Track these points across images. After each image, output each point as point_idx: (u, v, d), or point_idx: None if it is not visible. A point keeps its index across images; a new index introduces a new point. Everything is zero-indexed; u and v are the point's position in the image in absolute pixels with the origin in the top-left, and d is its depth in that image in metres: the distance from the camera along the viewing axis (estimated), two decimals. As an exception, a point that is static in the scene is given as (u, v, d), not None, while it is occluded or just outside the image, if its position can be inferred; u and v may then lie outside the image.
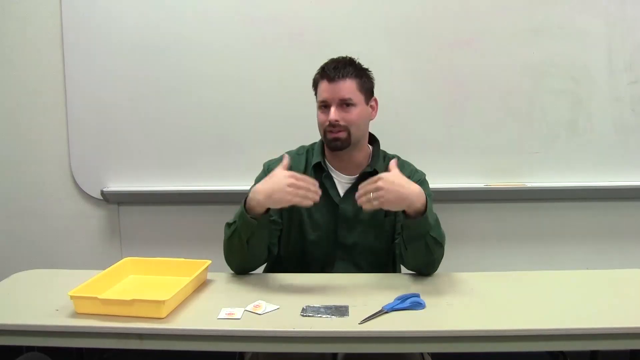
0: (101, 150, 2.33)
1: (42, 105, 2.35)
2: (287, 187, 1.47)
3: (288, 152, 1.79)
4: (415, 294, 1.41)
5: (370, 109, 1.72)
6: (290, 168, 1.69)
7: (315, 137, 1.76)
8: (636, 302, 1.42)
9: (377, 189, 1.46)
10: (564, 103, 2.24)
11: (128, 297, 1.34)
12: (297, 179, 1.48)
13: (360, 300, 1.42)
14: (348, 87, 1.64)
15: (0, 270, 1.79)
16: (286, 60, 2.16)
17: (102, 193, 2.35)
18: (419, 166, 1.82)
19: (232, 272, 1.64)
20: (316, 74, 1.70)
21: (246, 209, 1.53)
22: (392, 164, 1.53)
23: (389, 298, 1.41)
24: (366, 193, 1.47)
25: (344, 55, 1.72)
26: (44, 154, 2.38)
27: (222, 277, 1.63)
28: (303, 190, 1.47)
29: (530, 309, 1.39)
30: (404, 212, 1.51)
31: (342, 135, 1.65)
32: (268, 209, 1.55)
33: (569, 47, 2.20)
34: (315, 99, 1.72)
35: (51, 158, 2.37)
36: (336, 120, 1.63)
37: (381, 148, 1.80)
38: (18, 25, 2.30)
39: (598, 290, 1.52)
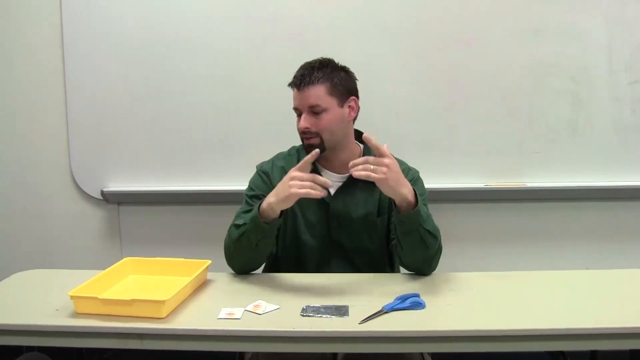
0: (101, 150, 2.33)
1: (42, 105, 2.35)
2: (290, 181, 1.48)
3: (279, 153, 1.81)
4: (415, 294, 1.41)
5: (347, 110, 1.67)
6: (281, 168, 1.73)
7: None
8: (636, 302, 1.42)
9: (382, 164, 1.45)
10: (564, 103, 2.24)
11: (128, 297, 1.34)
12: (299, 172, 1.50)
13: (360, 300, 1.42)
14: (316, 94, 1.61)
15: (0, 270, 1.79)
16: (286, 60, 2.14)
17: (102, 193, 2.35)
18: (419, 166, 1.82)
19: (232, 272, 1.64)
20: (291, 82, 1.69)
21: (259, 213, 1.53)
22: (386, 148, 1.51)
23: (389, 298, 1.41)
24: (366, 163, 1.46)
25: (323, 57, 1.69)
26: (44, 154, 2.38)
27: (222, 277, 1.63)
28: (308, 181, 1.47)
29: (530, 309, 1.39)
30: (395, 206, 1.52)
31: (315, 141, 1.63)
32: (281, 214, 1.55)
33: (569, 47, 2.20)
34: None
35: (51, 158, 2.37)
36: (306, 128, 1.62)
37: None
38: (18, 25, 2.30)
39: (598, 290, 1.52)
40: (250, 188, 1.75)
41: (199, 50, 2.24)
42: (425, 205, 1.69)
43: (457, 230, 2.28)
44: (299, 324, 1.30)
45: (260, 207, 1.54)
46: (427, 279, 1.59)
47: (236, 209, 1.69)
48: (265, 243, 1.59)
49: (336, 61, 1.68)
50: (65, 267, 1.82)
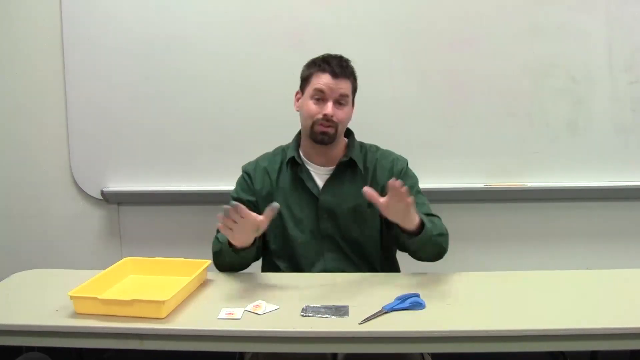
0: (101, 150, 2.33)
1: (42, 106, 2.35)
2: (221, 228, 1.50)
3: (265, 154, 1.84)
4: (415, 294, 1.41)
5: (351, 110, 1.76)
6: (264, 169, 1.77)
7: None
8: (636, 302, 1.42)
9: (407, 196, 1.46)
10: (564, 103, 2.24)
11: (128, 297, 1.34)
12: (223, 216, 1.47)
13: (360, 300, 1.42)
14: (347, 86, 1.69)
15: (0, 270, 1.79)
16: (286, 60, 2.16)
17: (102, 193, 2.35)
18: (419, 166, 1.82)
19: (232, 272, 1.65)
20: (313, 66, 1.71)
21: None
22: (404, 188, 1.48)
23: (389, 298, 1.41)
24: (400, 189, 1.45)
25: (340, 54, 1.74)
26: (44, 154, 2.38)
27: (222, 277, 1.63)
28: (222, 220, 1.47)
29: (530, 309, 1.39)
30: (400, 228, 1.54)
31: (331, 130, 1.67)
32: (255, 241, 1.59)
33: (569, 47, 2.20)
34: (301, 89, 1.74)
35: (51, 158, 2.37)
36: (331, 115, 1.66)
37: (371, 141, 1.84)
38: (18, 25, 2.30)
39: (598, 290, 1.52)
40: (235, 191, 1.80)
41: (198, 50, 2.24)
42: (420, 193, 1.74)
43: (457, 230, 2.25)
44: (299, 324, 1.30)
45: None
46: (427, 279, 1.58)
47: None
48: (244, 257, 1.63)
49: None
50: (65, 267, 1.82)
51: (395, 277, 1.65)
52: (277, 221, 1.73)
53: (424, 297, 1.40)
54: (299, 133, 1.78)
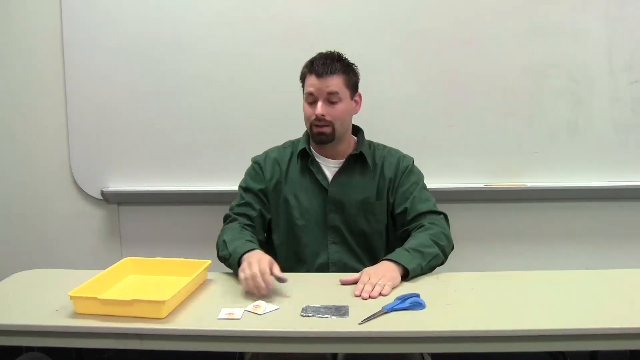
0: (101, 150, 2.33)
1: (42, 106, 2.35)
2: (241, 272, 1.48)
3: (274, 147, 1.86)
4: (415, 294, 1.41)
5: (354, 104, 1.76)
6: (274, 159, 1.79)
7: (315, 137, 1.76)
8: (636, 302, 1.42)
9: (375, 283, 1.46)
10: (564, 103, 2.24)
11: (128, 297, 1.34)
12: (252, 275, 1.44)
13: (360, 301, 1.42)
14: (335, 83, 1.69)
15: (0, 270, 1.79)
16: (286, 60, 2.16)
17: (102, 193, 2.35)
18: (419, 166, 1.84)
19: (232, 272, 1.64)
20: (304, 67, 1.74)
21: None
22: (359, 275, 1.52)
23: (389, 298, 1.41)
24: (372, 286, 1.46)
25: (333, 50, 1.76)
26: (44, 154, 2.38)
27: (222, 277, 1.63)
28: (249, 273, 1.45)
29: (530, 309, 1.39)
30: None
31: (327, 130, 1.69)
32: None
33: (569, 47, 2.20)
34: (302, 92, 1.75)
35: (51, 158, 2.37)
36: (322, 115, 1.67)
37: (372, 140, 1.85)
38: (18, 25, 2.30)
39: (598, 290, 1.51)
40: (244, 179, 1.82)
41: (198, 50, 2.24)
42: (424, 189, 1.78)
43: (457, 230, 2.25)
44: (299, 324, 1.30)
45: (242, 259, 1.53)
46: (427, 279, 1.58)
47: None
48: None
49: (344, 56, 1.76)
50: (65, 267, 1.82)
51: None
52: (284, 211, 1.76)
53: (424, 297, 1.40)
54: None
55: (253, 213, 1.75)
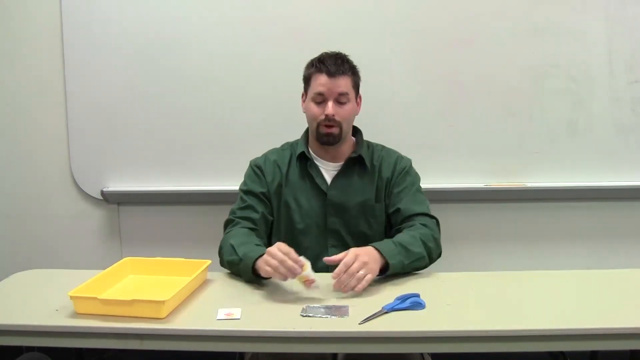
0: (101, 150, 2.33)
1: (42, 106, 2.34)
2: (264, 264, 1.46)
3: (272, 149, 1.85)
4: (415, 294, 1.41)
5: (357, 106, 1.77)
6: (274, 162, 1.77)
7: (315, 137, 1.76)
8: (636, 302, 1.42)
9: (354, 274, 1.44)
10: (564, 103, 2.23)
11: (128, 297, 1.34)
12: (272, 256, 1.44)
13: (360, 300, 1.42)
14: (345, 83, 1.69)
15: (0, 270, 1.79)
16: (286, 60, 2.16)
17: (102, 193, 2.35)
18: (419, 166, 1.84)
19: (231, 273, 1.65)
20: (311, 67, 1.73)
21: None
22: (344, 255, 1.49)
23: (389, 298, 1.41)
24: (351, 276, 1.44)
25: (337, 51, 1.76)
26: (44, 154, 2.38)
27: (222, 277, 1.63)
28: (276, 262, 1.43)
29: (530, 309, 1.39)
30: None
31: (335, 130, 1.70)
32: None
33: (569, 47, 2.20)
34: (304, 92, 1.76)
35: (51, 158, 2.37)
36: (333, 115, 1.67)
37: (371, 140, 1.86)
38: (18, 25, 2.30)
39: (598, 290, 1.52)
40: (244, 183, 1.81)
41: (198, 50, 2.24)
42: (419, 192, 1.77)
43: (457, 230, 2.27)
44: (299, 324, 1.30)
45: (256, 264, 1.51)
46: (427, 279, 1.59)
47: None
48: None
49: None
50: (65, 267, 1.83)
51: (395, 277, 1.65)
52: (285, 214, 1.76)
53: (424, 297, 1.40)
54: (308, 129, 1.80)
55: (256, 216, 1.73)
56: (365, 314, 1.33)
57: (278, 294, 1.48)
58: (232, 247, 1.60)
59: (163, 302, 1.32)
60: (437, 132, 2.26)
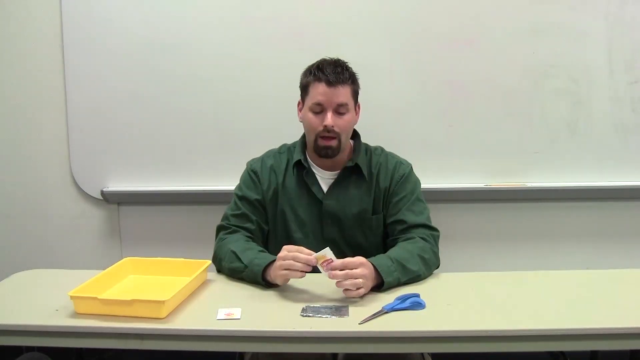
0: (101, 150, 2.33)
1: (42, 106, 2.34)
2: (279, 270, 1.45)
3: (270, 151, 1.82)
4: (415, 294, 1.41)
5: (355, 114, 1.71)
6: (270, 167, 1.74)
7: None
8: (636, 302, 1.42)
9: (357, 280, 1.41)
10: (564, 103, 2.23)
11: (128, 297, 1.34)
12: (294, 256, 1.43)
13: (360, 301, 1.42)
14: (345, 93, 1.63)
15: (0, 270, 1.79)
16: (286, 60, 2.16)
17: (102, 193, 2.35)
18: (419, 166, 1.82)
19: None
20: (309, 75, 1.66)
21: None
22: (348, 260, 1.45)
23: (389, 298, 1.41)
24: (348, 276, 1.41)
25: (336, 57, 1.70)
26: (44, 154, 2.38)
27: (222, 277, 1.63)
28: (290, 261, 1.43)
29: (530, 309, 1.39)
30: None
31: (334, 143, 1.64)
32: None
33: (569, 47, 2.20)
34: (301, 99, 1.72)
35: (51, 158, 2.37)
36: (332, 126, 1.62)
37: (372, 144, 1.83)
38: (18, 25, 2.30)
39: (598, 290, 1.52)
40: (239, 187, 1.77)
41: (198, 50, 2.24)
42: (419, 201, 1.72)
43: (457, 230, 2.28)
44: (299, 324, 1.30)
45: (267, 274, 1.51)
46: (427, 278, 1.58)
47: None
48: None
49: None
50: (65, 267, 1.82)
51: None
52: (281, 223, 1.73)
53: (424, 297, 1.40)
54: (305, 135, 1.76)
55: (251, 226, 1.70)
56: (365, 314, 1.33)
57: (278, 294, 1.48)
58: (234, 253, 1.58)
59: (163, 302, 1.32)
60: (437, 132, 2.26)
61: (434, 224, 1.72)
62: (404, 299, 1.38)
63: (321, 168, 1.73)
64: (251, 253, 1.57)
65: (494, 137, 2.26)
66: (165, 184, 2.33)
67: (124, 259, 1.64)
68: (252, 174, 1.76)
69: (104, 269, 1.56)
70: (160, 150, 2.31)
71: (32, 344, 1.38)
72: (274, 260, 1.50)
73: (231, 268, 1.59)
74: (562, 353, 1.60)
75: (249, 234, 1.69)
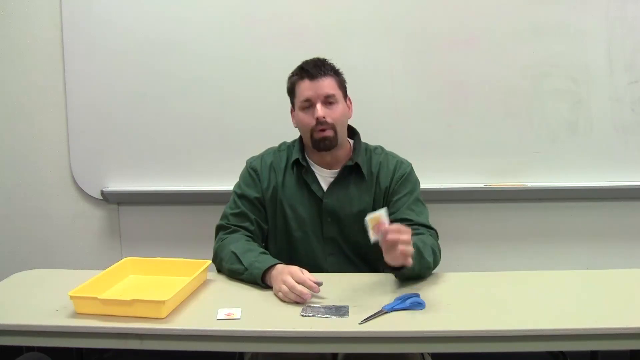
0: (101, 150, 2.33)
1: (42, 106, 2.35)
2: (282, 284, 1.43)
3: (269, 149, 1.82)
4: (415, 294, 1.41)
5: (347, 107, 1.72)
6: (270, 165, 1.73)
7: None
8: (636, 302, 1.42)
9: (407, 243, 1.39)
10: (564, 103, 2.24)
11: (128, 297, 1.34)
12: (291, 277, 1.42)
13: (360, 300, 1.42)
14: (329, 84, 1.65)
15: (0, 270, 1.79)
16: (286, 61, 2.15)
17: (102, 193, 2.35)
18: (419, 166, 1.82)
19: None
20: (292, 77, 1.69)
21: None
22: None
23: (389, 298, 1.41)
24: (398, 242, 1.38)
25: (337, 57, 1.72)
26: (44, 154, 2.38)
27: (222, 277, 1.63)
28: (292, 294, 1.41)
29: (530, 309, 1.39)
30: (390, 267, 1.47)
31: (330, 133, 1.64)
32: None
33: (569, 47, 2.20)
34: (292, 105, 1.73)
35: (51, 158, 2.37)
36: (323, 117, 1.62)
37: (370, 143, 1.82)
38: (18, 25, 2.30)
39: (598, 290, 1.52)
40: (239, 185, 1.77)
41: (198, 50, 2.24)
42: (419, 201, 1.72)
43: (457, 230, 2.28)
44: (299, 324, 1.30)
45: (265, 274, 1.50)
46: (427, 279, 1.58)
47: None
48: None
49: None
50: (65, 267, 1.82)
51: (394, 278, 1.65)
52: (281, 221, 1.73)
53: (424, 297, 1.40)
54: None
55: (250, 226, 1.70)
56: (365, 314, 1.33)
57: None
58: (235, 255, 1.58)
59: (163, 302, 1.32)
60: (437, 132, 2.26)
61: (433, 224, 1.72)
62: (404, 299, 1.38)
63: (320, 166, 1.73)
64: (252, 255, 1.57)
65: (494, 137, 2.26)
66: (165, 184, 2.33)
67: (124, 259, 1.64)
68: (251, 172, 1.75)
69: (104, 269, 1.56)
70: (160, 150, 2.31)
71: (32, 344, 1.39)
72: (274, 264, 1.50)
73: (231, 269, 1.59)
74: (562, 353, 1.60)
75: (248, 234, 1.69)
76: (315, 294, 1.42)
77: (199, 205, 2.35)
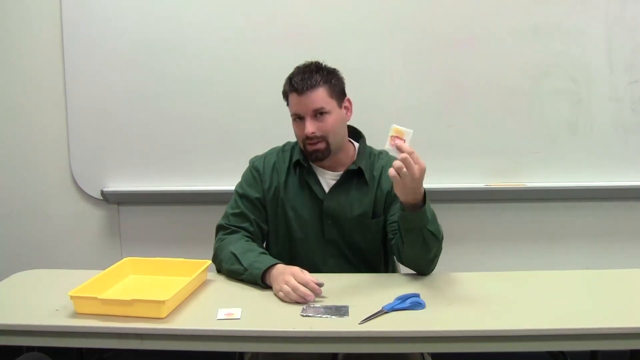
0: (101, 150, 2.33)
1: (42, 106, 2.35)
2: (283, 284, 1.43)
3: (273, 148, 1.81)
4: (415, 294, 1.41)
5: (344, 111, 1.68)
6: (273, 166, 1.72)
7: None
8: (636, 302, 1.42)
9: (417, 162, 1.40)
10: (564, 103, 2.24)
11: (128, 297, 1.34)
12: (293, 278, 1.43)
13: (360, 300, 1.42)
14: (319, 97, 1.59)
15: (0, 270, 1.79)
16: (286, 61, 2.15)
17: (102, 193, 2.35)
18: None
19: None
20: (286, 85, 1.65)
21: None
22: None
23: (389, 298, 1.41)
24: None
25: (311, 61, 1.67)
26: (44, 154, 2.38)
27: (222, 277, 1.63)
28: (294, 294, 1.41)
29: (530, 309, 1.39)
30: (402, 202, 1.48)
31: (321, 146, 1.62)
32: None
33: (569, 47, 2.20)
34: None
35: (51, 158, 2.38)
36: (312, 133, 1.60)
37: (371, 144, 1.79)
38: (18, 25, 2.30)
39: (598, 290, 1.52)
40: (240, 184, 1.76)
41: (199, 50, 2.24)
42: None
43: (457, 230, 2.27)
44: (299, 324, 1.30)
45: (265, 274, 1.50)
46: (427, 279, 1.58)
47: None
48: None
49: (324, 64, 1.67)
50: (65, 267, 1.82)
51: (395, 277, 1.65)
52: (282, 222, 1.72)
53: (424, 297, 1.40)
54: None
55: (249, 226, 1.69)
56: (365, 314, 1.33)
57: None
58: (234, 255, 1.58)
59: (163, 302, 1.31)
60: (437, 132, 2.26)
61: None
62: (404, 299, 1.38)
63: (322, 168, 1.73)
64: (251, 255, 1.56)
65: (493, 137, 2.26)
66: (165, 184, 2.33)
67: (124, 259, 1.64)
68: (254, 172, 1.75)
69: (104, 269, 1.56)
70: (160, 150, 2.31)
71: (32, 344, 1.38)
72: (274, 264, 1.50)
73: (231, 270, 1.59)
74: (562, 353, 1.60)
75: (247, 234, 1.69)
76: (316, 294, 1.42)
77: (199, 205, 2.35)
